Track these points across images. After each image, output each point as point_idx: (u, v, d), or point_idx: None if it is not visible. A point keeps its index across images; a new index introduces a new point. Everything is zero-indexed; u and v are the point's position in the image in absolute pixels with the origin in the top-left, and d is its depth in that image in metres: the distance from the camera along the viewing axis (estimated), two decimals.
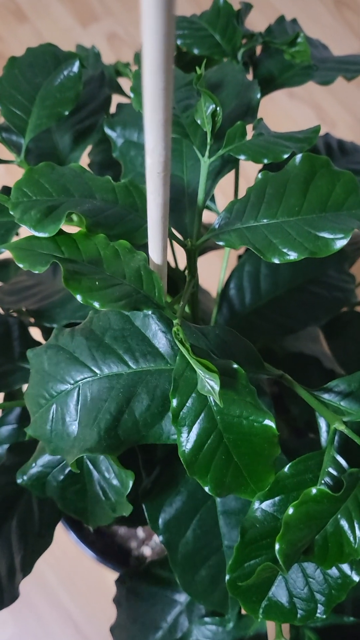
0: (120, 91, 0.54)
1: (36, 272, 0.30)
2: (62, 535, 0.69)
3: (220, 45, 0.46)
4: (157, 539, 0.75)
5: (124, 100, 0.55)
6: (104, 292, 0.30)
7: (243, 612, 0.41)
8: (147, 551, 0.76)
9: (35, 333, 0.52)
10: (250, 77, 0.50)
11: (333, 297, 0.50)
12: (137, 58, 0.56)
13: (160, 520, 0.38)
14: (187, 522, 0.39)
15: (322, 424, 0.34)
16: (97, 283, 0.30)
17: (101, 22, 1.33)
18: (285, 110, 1.24)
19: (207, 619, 0.42)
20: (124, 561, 0.72)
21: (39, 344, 0.49)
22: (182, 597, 0.46)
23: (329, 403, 0.35)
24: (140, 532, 0.76)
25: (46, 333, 0.54)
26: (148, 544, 0.76)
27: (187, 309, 0.44)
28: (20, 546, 0.41)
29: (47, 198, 0.33)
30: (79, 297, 0.29)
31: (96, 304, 0.29)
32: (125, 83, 0.58)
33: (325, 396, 0.35)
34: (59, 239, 0.32)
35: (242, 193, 0.49)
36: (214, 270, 0.69)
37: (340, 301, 0.50)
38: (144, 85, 0.21)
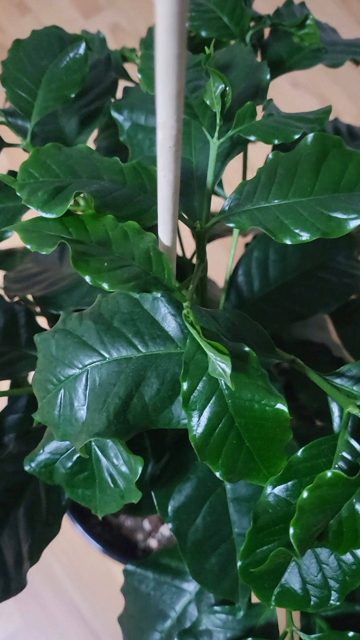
0: (127, 76, 0.53)
1: (43, 252, 0.29)
2: (69, 527, 0.69)
3: (228, 27, 0.45)
4: (163, 531, 0.75)
5: (130, 85, 0.54)
6: (112, 273, 0.29)
7: (253, 600, 0.40)
8: (153, 543, 0.75)
9: (42, 322, 0.52)
10: (258, 59, 0.49)
11: (342, 284, 0.49)
12: (143, 43, 0.55)
13: (169, 508, 0.38)
14: (196, 510, 0.38)
15: (335, 408, 0.33)
16: (105, 264, 0.29)
17: (104, 13, 1.32)
18: (289, 100, 1.23)
19: (216, 608, 0.41)
20: (131, 553, 0.72)
21: (45, 331, 0.48)
22: (191, 586, 0.45)
23: (341, 387, 0.34)
24: (147, 524, 0.75)
25: (52, 321, 0.53)
26: (154, 536, 0.76)
27: (195, 295, 0.43)
28: (27, 534, 0.41)
29: (54, 179, 0.32)
30: (87, 278, 0.29)
31: (105, 285, 0.29)
32: (131, 69, 0.57)
33: (338, 381, 0.34)
34: (67, 220, 0.31)
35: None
36: (221, 260, 0.68)
37: (350, 287, 0.49)
38: (156, 52, 0.20)
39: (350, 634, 0.36)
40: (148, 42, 0.55)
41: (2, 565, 0.41)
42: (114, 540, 0.71)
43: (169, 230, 0.30)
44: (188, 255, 0.56)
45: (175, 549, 0.46)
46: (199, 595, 0.44)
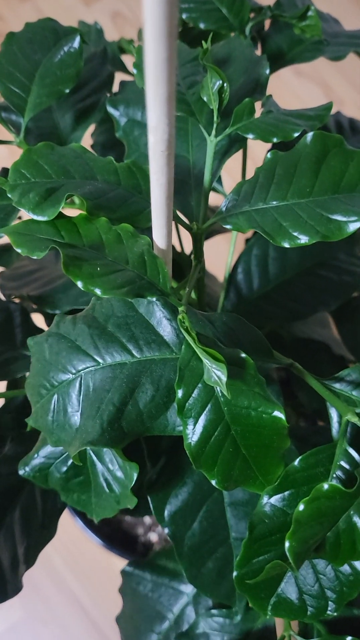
0: (124, 69, 0.52)
1: (34, 257, 0.28)
2: (69, 520, 0.68)
3: (227, 19, 0.44)
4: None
5: (127, 78, 0.53)
6: (106, 278, 0.28)
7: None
8: (153, 537, 0.75)
9: (38, 319, 0.51)
10: (258, 52, 0.48)
11: (342, 282, 0.48)
12: (141, 34, 0.54)
13: (166, 512, 0.38)
14: (193, 514, 0.38)
15: (334, 414, 0.33)
16: (98, 269, 0.29)
17: (105, 0, 1.30)
18: (292, 89, 1.21)
19: (214, 611, 0.41)
20: (131, 548, 0.72)
21: (41, 330, 0.48)
22: (189, 588, 0.45)
23: (341, 393, 0.33)
24: (147, 518, 0.75)
25: (49, 319, 0.52)
26: (155, 530, 0.76)
27: (193, 295, 0.42)
28: (23, 537, 0.40)
29: (46, 180, 0.31)
30: (79, 284, 0.28)
31: (98, 291, 0.28)
32: (129, 60, 0.56)
33: (337, 386, 0.34)
34: (59, 223, 0.30)
35: (250, 175, 0.47)
36: (221, 254, 0.67)
37: (350, 285, 0.48)
38: (145, 55, 0.19)
39: (349, 638, 0.36)
40: None
41: None
42: (114, 534, 0.71)
43: (164, 233, 0.29)
44: (187, 249, 0.55)
45: (172, 550, 0.46)
46: (197, 597, 0.44)
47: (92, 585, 0.88)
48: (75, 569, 0.88)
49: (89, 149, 0.44)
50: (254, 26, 0.46)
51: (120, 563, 0.72)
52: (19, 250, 0.29)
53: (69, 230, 0.30)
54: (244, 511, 0.38)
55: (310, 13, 0.45)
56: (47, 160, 0.32)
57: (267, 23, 0.48)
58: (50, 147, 0.32)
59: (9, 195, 0.31)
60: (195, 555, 0.38)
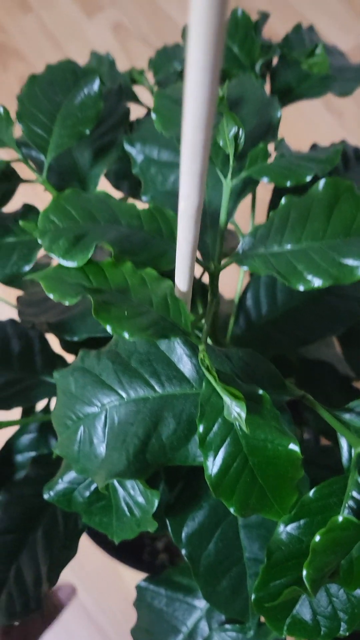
0: (136, 99, 0.54)
1: (66, 303, 0.30)
2: None
3: (238, 58, 0.46)
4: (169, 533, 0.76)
5: (139, 108, 0.55)
6: (132, 321, 0.30)
7: (263, 619, 0.42)
8: (159, 545, 0.77)
9: (52, 340, 0.53)
10: (267, 87, 0.50)
11: (349, 308, 0.50)
12: (151, 64, 0.56)
13: (183, 535, 0.39)
14: (209, 536, 0.40)
15: (344, 444, 0.35)
16: (125, 312, 0.30)
17: (106, 12, 1.31)
18: (297, 107, 1.23)
19: (227, 626, 0.43)
20: (137, 557, 0.74)
21: (60, 357, 0.49)
22: (202, 603, 0.47)
23: (351, 423, 0.35)
24: None
25: (64, 342, 0.54)
26: (161, 540, 0.78)
27: (206, 326, 0.44)
28: (46, 557, 0.42)
29: (74, 225, 0.33)
30: (109, 328, 0.30)
31: (126, 334, 0.30)
32: (140, 91, 0.58)
33: (347, 416, 0.36)
34: (87, 268, 0.32)
35: (258, 210, 0.49)
36: (231, 270, 0.69)
37: (356, 312, 0.50)
38: (182, 138, 0.21)
39: None
40: (158, 64, 0.55)
41: (22, 584, 0.42)
42: (120, 542, 0.73)
43: (186, 278, 0.31)
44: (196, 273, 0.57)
45: (186, 567, 0.48)
46: (210, 612, 0.46)
47: (96, 590, 0.89)
48: (80, 572, 0.90)
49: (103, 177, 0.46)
50: (264, 63, 0.48)
51: (124, 570, 0.73)
52: (50, 296, 0.31)
53: (97, 274, 0.32)
54: (257, 533, 0.40)
55: (318, 51, 0.47)
56: (74, 206, 0.34)
57: (275, 58, 0.50)
58: (77, 193, 0.34)
59: (40, 241, 0.32)
60: (211, 575, 0.40)
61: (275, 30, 1.14)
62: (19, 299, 0.53)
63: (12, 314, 0.54)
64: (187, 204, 0.24)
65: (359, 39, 1.28)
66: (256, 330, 0.50)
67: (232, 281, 0.54)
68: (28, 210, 0.42)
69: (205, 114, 0.19)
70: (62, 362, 0.49)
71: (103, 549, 0.69)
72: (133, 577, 0.87)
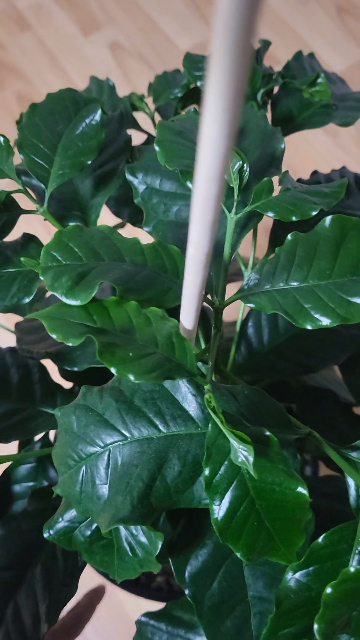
0: (137, 126, 0.53)
1: (69, 344, 0.30)
2: None
3: None
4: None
5: (139, 134, 0.55)
6: (137, 362, 0.30)
7: None
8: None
9: (51, 366, 0.52)
10: (268, 114, 0.50)
11: (351, 335, 0.50)
12: (151, 90, 0.56)
13: (186, 574, 0.39)
14: (213, 575, 0.39)
15: (352, 484, 0.34)
16: (130, 354, 0.30)
17: (103, 31, 1.31)
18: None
19: None
20: (134, 580, 0.73)
21: (59, 386, 0.49)
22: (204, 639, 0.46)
23: (358, 462, 0.35)
24: None
25: (62, 370, 0.53)
26: None
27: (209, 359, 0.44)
28: (45, 595, 0.41)
29: (77, 263, 0.32)
30: (113, 370, 0.29)
31: (131, 377, 0.29)
32: (140, 115, 0.58)
33: (354, 455, 0.35)
34: (90, 307, 0.31)
35: (259, 242, 0.48)
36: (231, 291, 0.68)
37: (358, 339, 0.50)
38: (195, 191, 0.21)
39: None
40: (157, 90, 0.55)
41: (20, 623, 0.41)
42: None
43: (192, 318, 0.31)
44: None
45: (187, 601, 0.47)
46: None
47: (98, 621, 0.88)
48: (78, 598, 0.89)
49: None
50: (265, 91, 0.48)
51: (120, 590, 0.72)
52: (53, 336, 0.30)
53: (100, 314, 0.31)
54: (261, 570, 0.39)
55: (320, 80, 0.47)
56: (77, 243, 0.33)
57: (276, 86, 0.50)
58: (79, 229, 0.33)
59: (42, 278, 0.32)
60: (215, 615, 0.39)
61: (272, 50, 1.14)
62: (17, 325, 0.52)
63: (11, 338, 0.53)
64: (198, 251, 0.24)
65: (354, 59, 1.29)
66: (258, 358, 0.49)
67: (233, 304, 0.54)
68: (28, 240, 0.41)
69: (219, 167, 0.19)
70: (61, 391, 0.48)
71: (99, 572, 0.67)
72: (134, 603, 0.85)
